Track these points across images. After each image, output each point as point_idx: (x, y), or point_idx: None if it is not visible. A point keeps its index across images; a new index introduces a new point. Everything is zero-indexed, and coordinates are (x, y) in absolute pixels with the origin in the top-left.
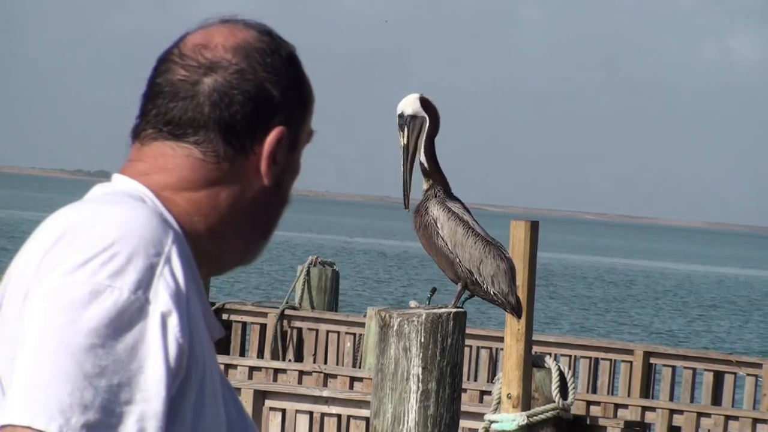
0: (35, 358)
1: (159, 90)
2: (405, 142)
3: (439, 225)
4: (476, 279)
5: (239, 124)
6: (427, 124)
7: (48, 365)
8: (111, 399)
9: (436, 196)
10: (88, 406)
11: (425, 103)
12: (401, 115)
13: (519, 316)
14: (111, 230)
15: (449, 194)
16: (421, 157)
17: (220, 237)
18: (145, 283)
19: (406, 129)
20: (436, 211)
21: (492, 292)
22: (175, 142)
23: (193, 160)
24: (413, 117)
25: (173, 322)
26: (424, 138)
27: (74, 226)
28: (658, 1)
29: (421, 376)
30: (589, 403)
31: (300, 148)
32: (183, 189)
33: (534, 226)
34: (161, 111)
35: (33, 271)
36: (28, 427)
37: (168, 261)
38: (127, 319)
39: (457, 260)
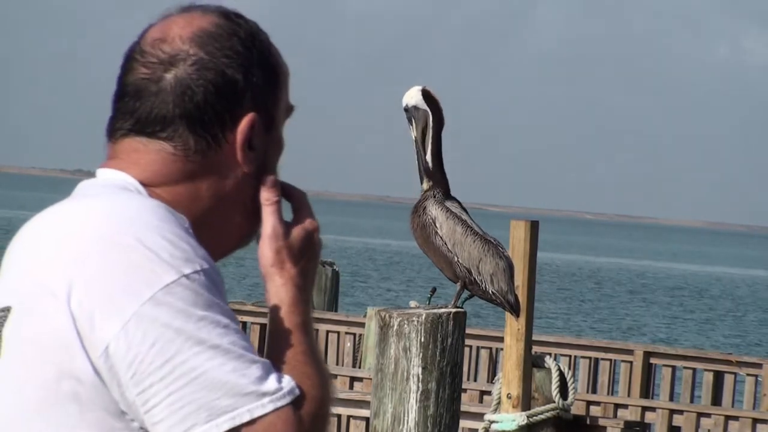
0: (204, 365)
1: (125, 90)
2: (415, 135)
3: (437, 224)
4: (475, 278)
5: (206, 116)
6: (431, 119)
7: (217, 361)
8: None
9: (434, 197)
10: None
11: (427, 95)
12: (406, 108)
13: (517, 315)
14: (138, 228)
15: (448, 196)
16: (427, 155)
17: (208, 227)
18: (202, 254)
19: (413, 121)
20: (434, 210)
21: (491, 291)
22: (146, 138)
23: (165, 155)
24: (416, 108)
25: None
26: (430, 134)
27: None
28: (658, 2)
29: (421, 376)
30: (589, 403)
31: (278, 126)
32: (159, 184)
33: (534, 226)
34: (129, 110)
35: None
36: (273, 411)
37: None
38: (213, 287)
39: (456, 259)
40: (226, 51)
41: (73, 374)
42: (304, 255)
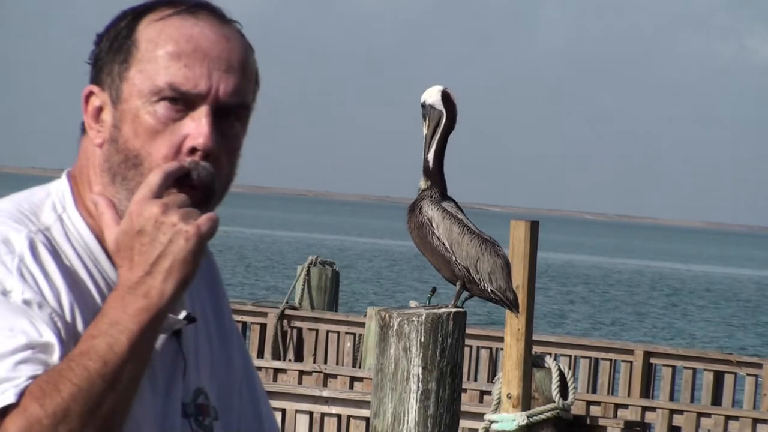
0: None
1: None
2: (426, 132)
3: (434, 224)
4: (473, 277)
5: None
6: (444, 120)
7: None
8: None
9: (431, 197)
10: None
11: (446, 97)
12: (423, 105)
13: (517, 312)
14: None
15: (445, 196)
16: (429, 154)
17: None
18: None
19: (428, 118)
20: (430, 210)
21: (489, 290)
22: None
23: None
24: (432, 107)
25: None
26: (438, 134)
27: None
28: (658, 2)
29: (421, 376)
30: (589, 403)
31: (132, 99)
32: (85, 169)
33: (534, 226)
34: None
35: None
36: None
37: (22, 260)
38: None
39: (454, 259)
40: (99, 35)
41: None
42: (130, 256)
